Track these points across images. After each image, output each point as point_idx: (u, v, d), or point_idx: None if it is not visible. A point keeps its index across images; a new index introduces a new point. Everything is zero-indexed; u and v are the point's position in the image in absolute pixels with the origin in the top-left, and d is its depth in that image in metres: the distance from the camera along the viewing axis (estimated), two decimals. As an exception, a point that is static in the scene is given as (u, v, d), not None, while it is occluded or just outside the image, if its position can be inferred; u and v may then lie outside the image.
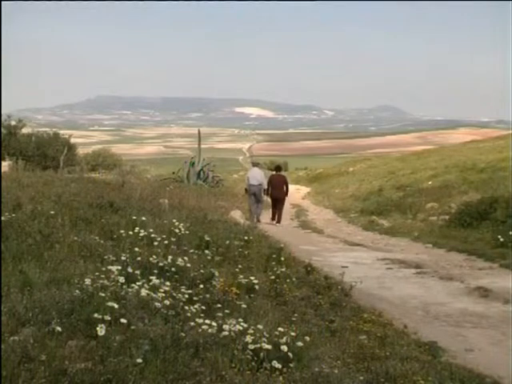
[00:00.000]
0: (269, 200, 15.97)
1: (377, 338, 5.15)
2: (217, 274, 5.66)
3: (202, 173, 25.78)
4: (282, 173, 17.56)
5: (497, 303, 7.18)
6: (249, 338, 3.78)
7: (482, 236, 11.83)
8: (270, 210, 16.02)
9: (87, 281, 4.21)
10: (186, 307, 4.38)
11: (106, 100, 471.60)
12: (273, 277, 6.36)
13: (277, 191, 15.56)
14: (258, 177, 15.37)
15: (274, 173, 16.53)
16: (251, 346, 3.70)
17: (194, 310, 4.37)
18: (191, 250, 6.74)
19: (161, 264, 5.55)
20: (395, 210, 17.04)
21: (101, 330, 3.45)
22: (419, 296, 7.57)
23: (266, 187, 15.26)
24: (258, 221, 15.00)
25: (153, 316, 4.00)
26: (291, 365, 3.72)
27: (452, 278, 8.68)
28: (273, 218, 15.72)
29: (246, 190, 15.83)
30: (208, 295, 4.98)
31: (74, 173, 21.60)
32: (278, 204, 15.70)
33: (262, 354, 3.67)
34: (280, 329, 4.12)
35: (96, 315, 3.62)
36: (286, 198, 16.06)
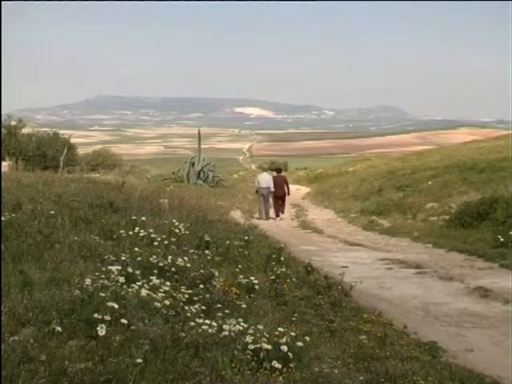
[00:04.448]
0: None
1: (377, 337, 5.15)
2: (217, 274, 5.66)
3: (202, 173, 25.78)
4: (282, 173, 19.81)
5: (497, 303, 7.18)
6: (249, 338, 3.77)
7: (482, 236, 11.83)
8: (273, 208, 18.03)
9: (87, 281, 4.21)
10: (186, 307, 4.38)
11: (106, 100, 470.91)
12: (273, 277, 6.36)
13: (278, 190, 17.71)
14: (267, 180, 17.60)
15: (274, 174, 18.64)
16: (251, 346, 3.70)
17: (194, 310, 4.38)
18: (191, 250, 6.74)
19: (161, 264, 5.55)
20: (395, 210, 17.03)
21: (101, 330, 3.45)
22: (419, 296, 7.57)
23: (273, 190, 17.46)
24: (267, 217, 17.23)
25: (153, 316, 4.00)
26: (291, 365, 3.72)
27: (452, 278, 8.68)
28: (277, 215, 17.74)
29: (256, 191, 17.90)
30: (208, 295, 4.98)
31: (73, 173, 21.61)
32: (280, 201, 17.95)
33: (261, 354, 3.67)
34: (280, 329, 4.11)
35: (96, 315, 3.62)
36: (288, 196, 18.32)
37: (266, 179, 17.68)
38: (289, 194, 18.30)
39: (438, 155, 29.18)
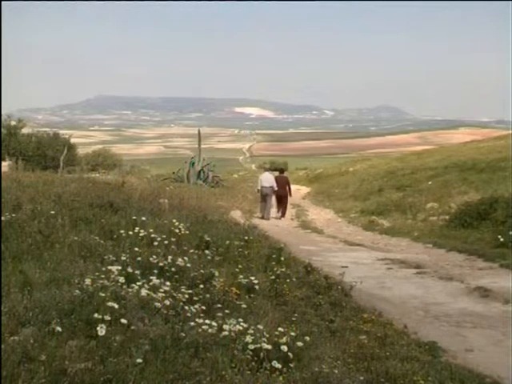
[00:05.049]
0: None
1: (377, 338, 5.15)
2: (217, 273, 5.66)
3: (202, 173, 25.79)
4: (285, 174, 20.05)
5: (497, 303, 7.18)
6: (249, 338, 3.77)
7: (482, 236, 11.83)
8: (275, 207, 18.35)
9: (87, 281, 4.21)
10: (186, 307, 4.38)
11: (106, 100, 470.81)
12: (273, 277, 6.36)
13: (281, 190, 18.02)
14: (270, 180, 17.89)
15: (277, 174, 19.02)
16: (251, 346, 3.70)
17: (194, 310, 4.38)
18: (191, 250, 6.74)
19: (161, 264, 5.55)
20: (395, 210, 17.02)
21: (101, 330, 3.45)
22: (419, 296, 7.57)
23: (276, 189, 17.72)
24: (269, 217, 17.42)
25: (153, 316, 4.00)
26: (291, 365, 3.72)
27: (452, 278, 8.68)
28: (278, 212, 18.12)
29: (258, 190, 18.18)
30: (208, 295, 4.98)
31: (74, 173, 21.63)
32: (282, 200, 18.29)
33: (261, 354, 3.67)
34: (280, 329, 4.12)
35: (96, 315, 3.62)
36: (290, 197, 18.77)
37: (268, 179, 17.98)
38: (291, 195, 18.77)
39: (437, 155, 29.17)
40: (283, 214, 18.14)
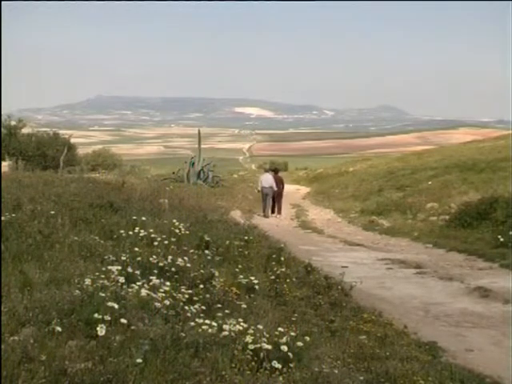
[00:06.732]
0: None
1: (377, 338, 5.16)
2: (217, 273, 5.66)
3: (202, 173, 25.80)
4: (279, 174, 21.17)
5: (497, 303, 7.18)
6: (249, 338, 3.77)
7: (482, 236, 11.83)
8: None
9: (87, 281, 4.21)
10: (186, 307, 4.39)
11: (106, 100, 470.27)
12: (273, 277, 6.37)
13: (277, 189, 18.70)
14: (270, 180, 18.78)
15: (273, 174, 19.84)
16: (251, 346, 3.70)
17: (194, 310, 4.38)
18: (191, 250, 6.74)
19: (161, 264, 5.56)
20: (395, 210, 17.02)
21: (101, 330, 3.45)
22: (419, 296, 7.57)
23: (275, 189, 18.51)
24: (268, 215, 18.26)
25: (153, 316, 4.00)
26: (291, 365, 3.71)
27: (452, 278, 8.68)
28: (275, 211, 18.84)
29: (258, 190, 19.24)
30: (208, 295, 4.98)
31: (74, 173, 21.63)
32: (277, 199, 19.06)
33: (262, 354, 3.67)
34: (280, 329, 4.12)
35: (96, 315, 3.62)
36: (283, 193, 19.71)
37: (268, 179, 18.80)
38: (283, 188, 19.73)
39: (438, 155, 29.15)
40: (279, 211, 18.94)
